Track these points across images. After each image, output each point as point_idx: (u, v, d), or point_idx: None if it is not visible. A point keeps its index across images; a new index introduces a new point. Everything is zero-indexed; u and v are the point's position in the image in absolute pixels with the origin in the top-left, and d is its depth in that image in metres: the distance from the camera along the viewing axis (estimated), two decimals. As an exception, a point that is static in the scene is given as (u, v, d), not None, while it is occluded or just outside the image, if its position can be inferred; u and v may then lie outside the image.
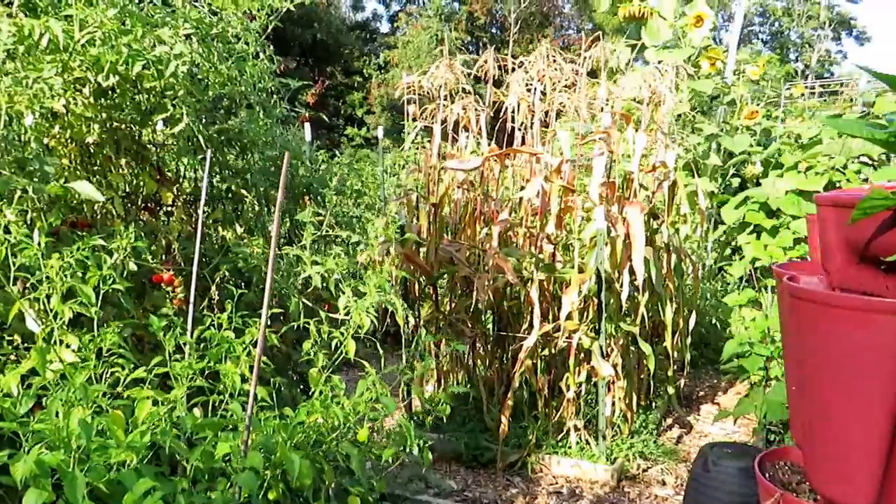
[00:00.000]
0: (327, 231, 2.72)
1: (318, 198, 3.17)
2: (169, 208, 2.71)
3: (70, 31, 2.16)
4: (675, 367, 4.57)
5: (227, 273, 2.51)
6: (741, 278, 4.26)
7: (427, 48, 27.57)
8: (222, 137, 2.80)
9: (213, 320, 1.82)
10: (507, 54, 4.43)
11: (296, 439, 1.67)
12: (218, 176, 2.75)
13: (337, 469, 1.87)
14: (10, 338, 1.84)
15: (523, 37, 33.35)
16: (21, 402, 1.53)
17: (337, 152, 8.94)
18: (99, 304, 1.78)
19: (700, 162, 5.81)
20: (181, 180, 2.75)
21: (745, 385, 5.32)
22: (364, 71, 27.75)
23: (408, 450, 2.28)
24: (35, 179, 1.96)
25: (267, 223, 3.02)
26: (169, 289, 2.36)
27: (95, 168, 2.46)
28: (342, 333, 1.91)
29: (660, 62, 5.58)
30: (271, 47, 2.78)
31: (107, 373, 1.66)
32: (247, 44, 2.95)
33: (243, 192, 2.73)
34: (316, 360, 1.93)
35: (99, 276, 1.78)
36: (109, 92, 2.33)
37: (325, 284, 2.42)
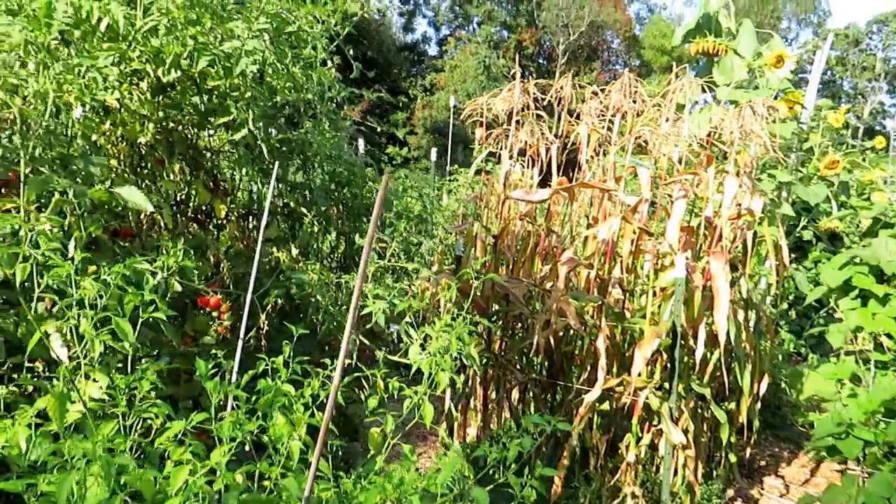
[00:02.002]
0: (391, 261, 2.43)
1: (380, 222, 2.88)
2: (219, 222, 2.44)
3: (132, 17, 1.92)
4: (736, 432, 4.17)
5: (278, 300, 2.22)
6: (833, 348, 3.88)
7: (474, 73, 27.61)
8: (284, 148, 2.54)
9: (266, 364, 1.53)
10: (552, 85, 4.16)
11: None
12: (276, 190, 2.48)
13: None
14: (31, 364, 1.57)
15: (570, 68, 33.27)
16: (31, 452, 1.25)
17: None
18: (136, 330, 1.50)
19: (770, 211, 5.43)
20: (236, 192, 2.49)
21: (809, 457, 4.89)
22: (410, 91, 27.85)
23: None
24: (78, 181, 1.70)
25: (322, 246, 2.74)
26: (214, 314, 2.08)
27: (145, 172, 2.21)
28: (415, 392, 1.60)
29: (734, 102, 5.25)
30: (350, 51, 2.52)
31: (137, 421, 1.37)
32: (314, 49, 2.70)
33: (303, 209, 2.46)
34: (385, 422, 1.62)
35: (140, 301, 1.50)
36: (169, 88, 2.09)
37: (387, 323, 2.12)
